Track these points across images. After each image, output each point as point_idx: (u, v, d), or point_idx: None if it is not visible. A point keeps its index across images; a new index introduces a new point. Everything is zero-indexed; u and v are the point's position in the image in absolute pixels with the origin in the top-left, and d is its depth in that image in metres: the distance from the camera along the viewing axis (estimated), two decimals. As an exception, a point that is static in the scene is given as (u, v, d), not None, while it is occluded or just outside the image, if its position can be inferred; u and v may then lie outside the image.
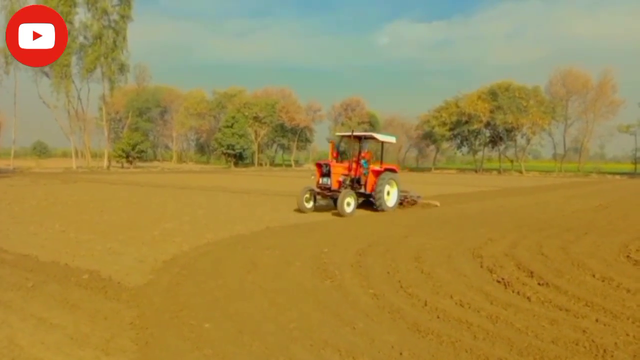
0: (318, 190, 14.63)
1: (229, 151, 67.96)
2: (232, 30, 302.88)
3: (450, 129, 71.67)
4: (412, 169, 77.77)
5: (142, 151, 60.17)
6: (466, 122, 68.32)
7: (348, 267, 7.32)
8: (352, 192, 14.12)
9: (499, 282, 6.62)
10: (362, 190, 15.07)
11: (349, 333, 4.66)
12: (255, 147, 74.76)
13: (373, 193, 14.92)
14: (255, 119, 72.62)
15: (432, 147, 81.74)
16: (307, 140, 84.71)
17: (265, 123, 73.86)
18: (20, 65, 44.15)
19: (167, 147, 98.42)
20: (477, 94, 67.96)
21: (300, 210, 14.27)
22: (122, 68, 52.50)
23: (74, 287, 6.08)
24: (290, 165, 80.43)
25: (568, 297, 5.91)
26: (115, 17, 50.40)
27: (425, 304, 5.56)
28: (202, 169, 63.65)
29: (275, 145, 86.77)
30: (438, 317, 5.14)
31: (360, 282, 6.54)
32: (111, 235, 9.84)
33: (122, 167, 56.69)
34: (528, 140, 69.97)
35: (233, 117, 69.12)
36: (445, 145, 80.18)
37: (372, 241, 9.57)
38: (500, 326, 4.89)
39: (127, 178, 34.47)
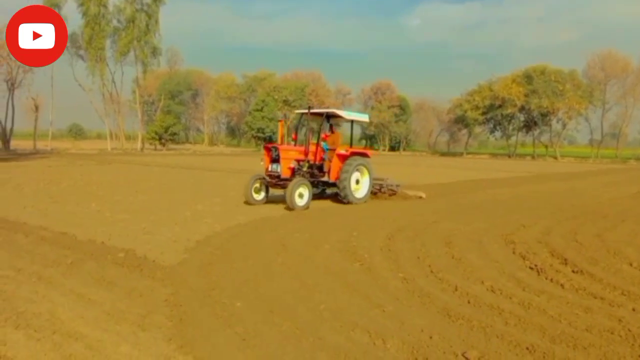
0: (267, 178, 12.34)
1: (259, 134, 68.24)
2: (258, 13, 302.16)
3: (483, 113, 69.96)
4: (443, 154, 76.73)
5: (175, 134, 61.08)
6: (500, 106, 66.64)
7: (377, 251, 7.32)
8: (306, 182, 11.76)
9: (531, 268, 6.51)
10: (325, 179, 12.95)
11: (378, 315, 4.67)
12: (285, 130, 74.87)
13: (338, 182, 12.71)
14: (285, 102, 72.59)
15: (464, 131, 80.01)
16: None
17: (294, 106, 73.78)
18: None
19: (198, 129, 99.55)
20: (512, 77, 66.07)
21: (248, 202, 12.12)
22: (155, 51, 53.22)
23: (110, 264, 6.27)
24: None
25: (603, 286, 5.77)
26: (147, 0, 51.01)
27: (456, 289, 5.52)
28: (232, 151, 64.30)
29: (304, 129, 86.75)
30: (469, 302, 5.10)
31: (389, 265, 6.53)
32: (145, 215, 10.09)
33: (155, 149, 57.64)
34: (564, 125, 67.89)
35: (263, 101, 69.33)
36: (477, 129, 78.50)
37: (401, 226, 9.52)
38: (532, 313, 4.82)
39: (160, 160, 35.11)
